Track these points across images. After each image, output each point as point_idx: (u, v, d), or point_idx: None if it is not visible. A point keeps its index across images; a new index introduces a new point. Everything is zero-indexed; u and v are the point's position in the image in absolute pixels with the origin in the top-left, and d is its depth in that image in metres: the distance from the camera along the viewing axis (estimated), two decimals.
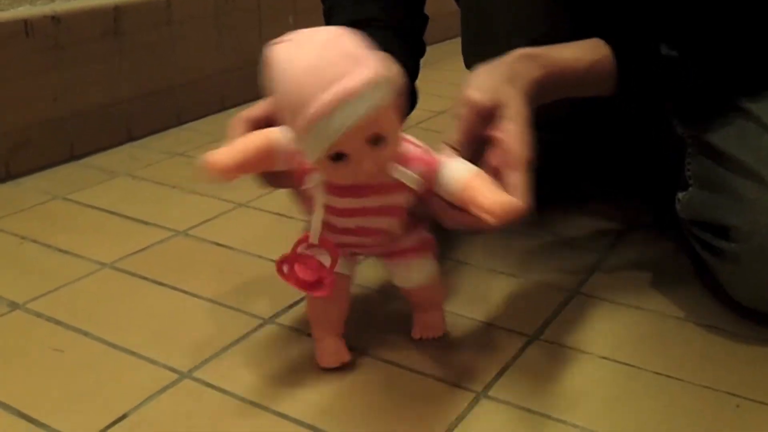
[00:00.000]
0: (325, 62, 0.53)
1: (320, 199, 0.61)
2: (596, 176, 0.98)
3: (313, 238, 0.62)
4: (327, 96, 0.52)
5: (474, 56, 0.94)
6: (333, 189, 0.60)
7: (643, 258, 0.88)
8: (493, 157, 0.64)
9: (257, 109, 0.69)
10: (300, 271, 0.63)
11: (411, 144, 0.61)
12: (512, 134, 0.63)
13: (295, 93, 0.54)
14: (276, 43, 0.56)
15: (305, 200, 0.65)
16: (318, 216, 0.62)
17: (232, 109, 1.46)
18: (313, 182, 0.61)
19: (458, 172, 0.59)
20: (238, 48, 1.46)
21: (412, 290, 0.69)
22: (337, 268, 0.64)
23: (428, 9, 0.96)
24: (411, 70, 0.87)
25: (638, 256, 0.88)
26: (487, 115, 0.65)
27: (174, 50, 1.33)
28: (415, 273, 0.67)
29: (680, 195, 0.78)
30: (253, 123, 0.68)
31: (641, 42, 0.73)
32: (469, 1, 0.91)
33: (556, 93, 0.71)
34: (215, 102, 1.44)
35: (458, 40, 0.95)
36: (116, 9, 1.22)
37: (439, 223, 0.65)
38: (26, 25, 1.10)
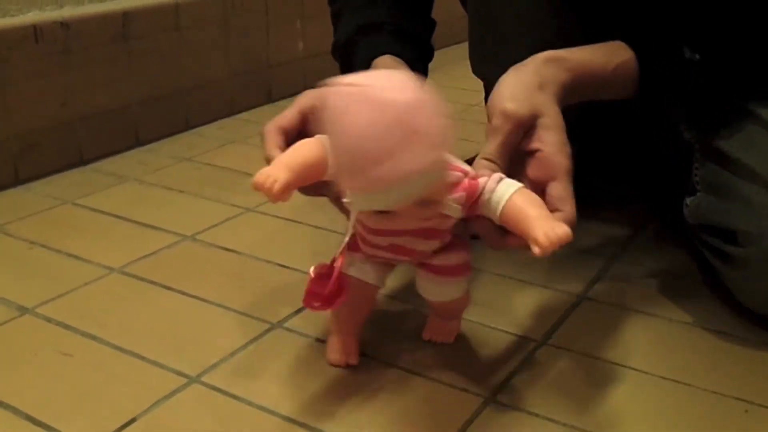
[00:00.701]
0: (395, 137, 0.49)
1: (353, 215, 0.58)
2: (603, 181, 0.98)
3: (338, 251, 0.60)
4: (389, 172, 0.49)
5: (481, 60, 0.94)
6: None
7: (651, 263, 0.88)
8: (533, 170, 0.62)
9: (288, 116, 0.68)
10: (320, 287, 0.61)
11: (454, 169, 0.59)
12: (552, 144, 0.62)
13: (359, 156, 0.50)
14: (344, 87, 0.52)
15: (343, 209, 0.64)
16: (351, 227, 0.59)
17: (241, 114, 1.46)
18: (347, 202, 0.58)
19: (503, 195, 0.57)
20: (246, 52, 1.46)
21: (438, 303, 0.68)
22: (364, 277, 0.64)
23: (435, 13, 0.96)
24: (419, 74, 0.87)
25: (646, 262, 0.88)
26: (525, 127, 0.63)
27: (182, 55, 1.34)
28: (448, 291, 0.66)
29: (688, 200, 0.78)
30: (285, 132, 0.67)
31: (663, 45, 0.72)
32: (477, 5, 0.92)
33: (580, 96, 0.70)
34: (224, 106, 1.44)
35: (465, 45, 0.95)
36: (125, 14, 1.22)
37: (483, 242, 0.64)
38: (35, 31, 1.11)
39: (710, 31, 0.73)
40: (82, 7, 1.19)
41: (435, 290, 0.66)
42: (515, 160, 0.64)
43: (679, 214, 0.79)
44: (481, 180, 0.59)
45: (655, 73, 0.72)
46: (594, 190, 1.02)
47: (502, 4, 0.87)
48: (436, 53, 0.92)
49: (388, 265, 0.67)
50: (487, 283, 0.83)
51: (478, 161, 0.64)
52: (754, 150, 0.71)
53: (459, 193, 0.58)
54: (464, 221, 0.61)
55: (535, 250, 0.53)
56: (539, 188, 0.62)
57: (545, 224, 0.54)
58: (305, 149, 0.57)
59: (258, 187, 0.53)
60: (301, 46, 1.56)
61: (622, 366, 0.69)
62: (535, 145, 0.63)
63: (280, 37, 1.52)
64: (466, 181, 0.58)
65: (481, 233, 0.62)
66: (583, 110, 0.75)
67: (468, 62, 0.94)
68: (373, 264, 0.65)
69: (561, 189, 0.60)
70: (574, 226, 0.58)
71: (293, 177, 0.54)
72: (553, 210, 0.59)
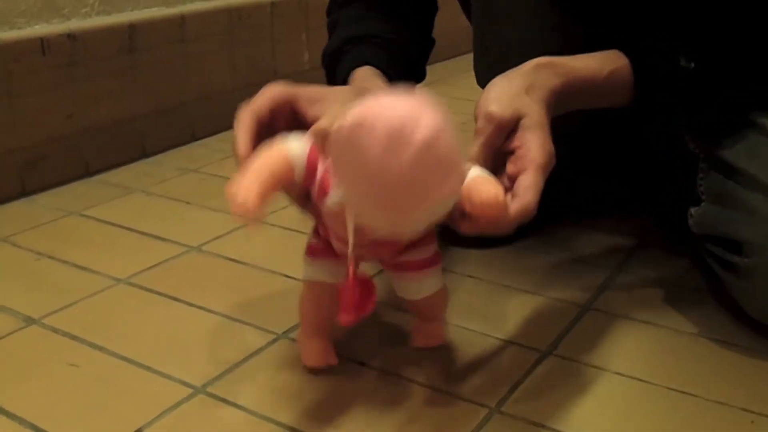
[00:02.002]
0: (421, 173, 0.49)
1: (351, 217, 0.57)
2: (607, 191, 0.98)
3: (351, 252, 0.59)
4: (420, 206, 0.50)
5: (486, 71, 0.94)
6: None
7: (656, 274, 0.88)
8: (510, 167, 0.63)
9: (263, 100, 0.69)
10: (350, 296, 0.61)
11: None
12: (530, 141, 0.62)
13: (387, 196, 0.50)
14: (364, 120, 0.49)
15: (315, 210, 0.63)
16: (351, 232, 0.58)
17: None
18: (333, 202, 0.59)
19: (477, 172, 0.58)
20: (252, 64, 1.47)
21: (420, 302, 0.69)
22: (326, 278, 0.65)
23: (439, 24, 0.96)
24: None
25: (651, 272, 0.88)
26: (507, 128, 0.64)
27: (188, 67, 1.34)
28: (425, 285, 0.67)
29: (692, 210, 0.78)
30: (260, 116, 0.68)
31: (659, 53, 0.73)
32: (481, 17, 0.92)
33: (574, 103, 0.71)
34: (229, 118, 1.43)
35: (469, 56, 0.95)
36: (131, 26, 1.23)
37: (453, 233, 0.65)
38: (42, 43, 1.11)
39: (705, 39, 0.73)
40: (89, 19, 1.20)
41: (413, 287, 0.67)
42: (499, 161, 0.64)
43: (684, 225, 0.79)
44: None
45: (650, 80, 0.72)
46: (598, 200, 1.03)
47: (507, 16, 0.87)
48: (442, 64, 0.93)
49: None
50: (491, 293, 0.83)
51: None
52: (759, 160, 0.71)
53: None
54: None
55: (482, 215, 0.55)
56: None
57: (495, 189, 0.54)
58: (270, 160, 0.58)
59: (235, 208, 0.54)
60: (307, 57, 1.56)
61: (627, 376, 0.69)
62: (515, 144, 0.63)
63: (286, 48, 1.53)
64: None
65: (450, 217, 0.62)
66: (586, 120, 0.76)
67: (472, 74, 0.95)
68: (330, 263, 0.65)
69: (527, 179, 0.60)
70: (528, 214, 0.58)
71: (267, 189, 0.56)
72: (513, 196, 0.60)
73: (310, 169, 0.60)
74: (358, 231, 0.58)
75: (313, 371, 0.69)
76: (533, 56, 0.71)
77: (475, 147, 0.64)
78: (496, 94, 0.66)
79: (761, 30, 0.72)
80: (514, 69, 0.69)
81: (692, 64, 0.71)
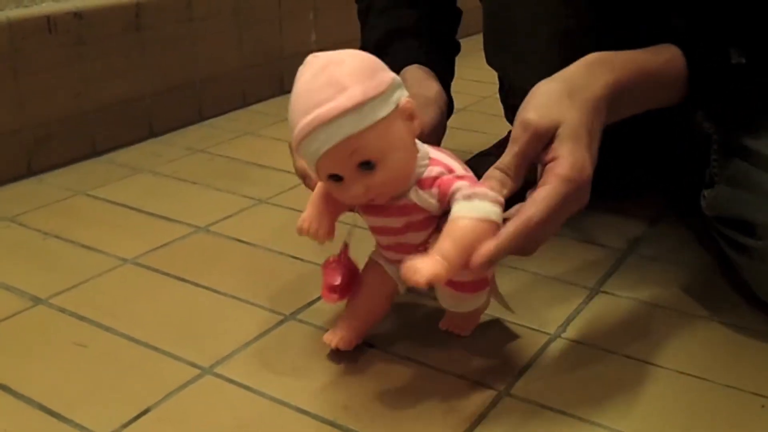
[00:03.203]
0: (313, 88, 0.56)
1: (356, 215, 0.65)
2: (620, 173, 0.97)
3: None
4: (304, 121, 0.56)
5: (496, 51, 0.93)
6: (363, 208, 0.63)
7: (667, 256, 0.87)
8: (541, 180, 0.59)
9: None
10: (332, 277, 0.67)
11: (435, 163, 0.60)
12: (562, 154, 0.58)
13: (291, 117, 0.58)
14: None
15: None
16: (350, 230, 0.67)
17: (253, 105, 1.46)
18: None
19: (453, 213, 0.57)
20: (259, 44, 1.46)
21: (461, 312, 0.68)
22: (388, 269, 0.66)
23: None
24: (446, 76, 0.87)
25: (662, 254, 0.87)
26: (543, 138, 0.60)
27: (195, 46, 1.34)
28: (467, 304, 0.66)
29: (705, 192, 0.77)
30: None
31: (710, 46, 0.70)
32: None
33: (631, 101, 0.67)
34: (236, 98, 1.44)
35: (479, 37, 0.94)
36: (138, 5, 1.22)
37: None
38: (49, 21, 1.11)
39: (757, 34, 0.70)
40: None
41: (454, 303, 0.66)
42: (537, 173, 0.60)
43: (697, 207, 0.78)
44: (456, 185, 0.59)
45: (702, 74, 0.69)
46: (610, 182, 1.02)
47: None
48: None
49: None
50: (500, 275, 0.82)
51: (491, 170, 0.61)
52: None
53: (434, 188, 0.60)
54: None
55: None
56: None
57: (422, 261, 0.54)
58: (316, 190, 0.65)
59: (303, 234, 0.64)
60: (314, 37, 1.55)
61: (637, 360, 0.69)
62: (549, 155, 0.59)
63: (293, 28, 1.52)
64: (445, 177, 0.60)
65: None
66: None
67: (482, 54, 0.94)
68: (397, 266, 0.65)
69: (541, 192, 0.57)
70: (529, 228, 0.56)
71: (328, 219, 0.64)
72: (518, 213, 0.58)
73: None
74: (379, 230, 0.63)
75: (322, 352, 0.69)
76: (543, 35, 0.70)
77: (507, 156, 0.60)
78: (537, 101, 0.61)
79: None
80: (562, 71, 0.65)
81: (743, 60, 0.69)
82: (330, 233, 0.64)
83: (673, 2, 0.73)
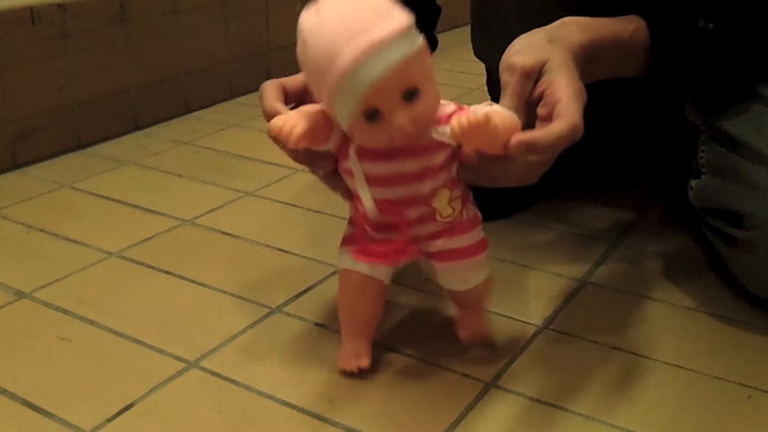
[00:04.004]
0: (351, 15, 0.54)
1: (358, 168, 0.59)
2: (608, 164, 0.97)
3: (372, 213, 0.60)
4: (355, 46, 0.52)
5: (484, 43, 0.93)
6: (368, 155, 0.59)
7: (655, 248, 0.87)
8: (542, 109, 0.61)
9: (292, 80, 0.68)
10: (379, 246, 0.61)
11: (444, 104, 0.59)
12: (556, 81, 0.60)
13: (324, 50, 0.54)
14: (304, 11, 0.56)
15: (344, 180, 0.63)
16: (363, 187, 0.60)
17: (240, 98, 1.45)
18: (351, 155, 0.59)
19: (480, 109, 0.57)
20: (245, 36, 1.45)
21: (464, 292, 0.66)
22: (372, 273, 0.63)
23: None
24: None
25: (650, 246, 0.87)
26: (531, 76, 0.62)
27: (181, 38, 1.33)
28: (473, 275, 0.65)
29: (693, 183, 0.77)
30: (286, 92, 0.66)
31: (677, 13, 0.71)
32: None
33: (600, 65, 0.68)
34: (223, 90, 1.43)
35: (467, 29, 0.94)
36: None
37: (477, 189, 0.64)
38: (32, 13, 1.10)
39: (725, 1, 0.71)
40: None
41: (460, 278, 0.65)
42: (531, 113, 0.62)
43: (684, 198, 0.78)
44: (473, 107, 0.58)
45: (668, 41, 0.70)
46: (598, 173, 1.02)
47: None
48: (439, 36, 0.92)
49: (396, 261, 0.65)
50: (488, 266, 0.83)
51: None
52: (762, 132, 0.70)
53: (453, 119, 0.57)
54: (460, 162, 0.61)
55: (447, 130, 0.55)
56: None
57: (475, 114, 0.54)
58: (312, 110, 0.59)
59: (275, 132, 0.56)
60: None
61: (625, 351, 0.69)
62: (541, 88, 0.62)
63: (280, 20, 1.51)
64: (458, 110, 0.59)
65: (469, 162, 0.61)
66: (593, 94, 0.74)
67: (470, 46, 0.94)
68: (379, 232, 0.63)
69: (563, 104, 0.58)
70: (577, 128, 0.57)
71: (309, 126, 0.56)
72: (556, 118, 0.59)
73: (342, 137, 0.60)
74: (383, 180, 0.59)
75: (309, 345, 0.68)
76: (532, 27, 0.70)
77: (503, 100, 0.62)
78: (518, 47, 0.64)
79: None
80: (538, 28, 0.67)
81: (711, 26, 0.69)
82: (304, 139, 0.57)
83: None
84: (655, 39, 0.70)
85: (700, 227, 0.79)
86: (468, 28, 0.94)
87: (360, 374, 0.65)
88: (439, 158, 0.59)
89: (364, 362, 0.65)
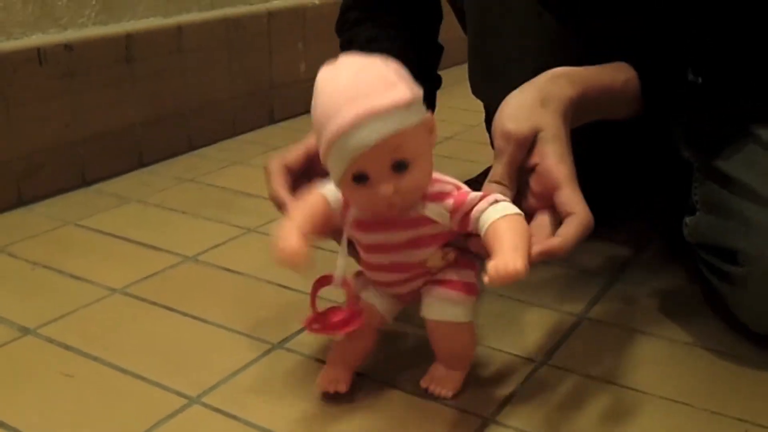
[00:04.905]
0: (359, 79, 0.56)
1: (345, 233, 0.62)
2: (604, 200, 0.98)
3: (336, 281, 0.62)
4: (352, 110, 0.55)
5: (481, 83, 0.94)
6: (360, 225, 0.62)
7: (652, 283, 0.88)
8: (536, 184, 0.63)
9: (294, 154, 0.71)
10: (332, 316, 0.63)
11: (442, 182, 0.61)
12: (550, 155, 0.62)
13: (327, 106, 0.56)
14: (325, 65, 0.58)
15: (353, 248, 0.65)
16: (342, 254, 0.62)
17: (243, 135, 1.47)
18: (346, 220, 0.62)
19: (489, 218, 0.58)
20: (249, 74, 1.47)
21: (438, 326, 0.65)
22: (377, 304, 0.65)
23: None
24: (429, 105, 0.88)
25: (647, 282, 0.88)
26: (526, 145, 0.64)
27: (185, 76, 1.35)
28: (448, 306, 0.64)
29: (687, 219, 0.78)
30: (291, 170, 0.70)
31: (666, 66, 0.73)
32: (477, 27, 0.92)
33: (590, 113, 0.71)
34: (226, 127, 1.45)
35: (464, 66, 0.96)
36: (128, 36, 1.23)
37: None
38: (39, 53, 1.12)
39: (713, 55, 0.73)
40: (86, 29, 1.20)
41: (437, 307, 0.64)
42: (522, 178, 0.64)
43: (680, 234, 0.79)
44: (472, 195, 0.60)
45: (658, 92, 0.72)
46: (595, 209, 1.03)
47: (502, 28, 0.88)
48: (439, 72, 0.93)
49: (398, 303, 0.67)
50: (487, 303, 0.83)
51: (487, 185, 0.65)
52: (754, 169, 0.71)
53: (447, 200, 0.60)
54: (465, 237, 0.62)
55: (484, 279, 0.54)
56: (545, 202, 0.63)
57: (505, 256, 0.54)
58: (308, 205, 0.62)
59: (277, 257, 0.59)
60: (303, 67, 1.57)
61: (623, 386, 0.69)
62: (535, 159, 0.63)
63: (283, 58, 1.53)
64: (455, 192, 0.60)
65: (475, 249, 0.62)
66: (588, 131, 0.76)
67: (467, 84, 0.95)
68: (385, 296, 0.65)
69: (565, 195, 0.61)
70: (590, 225, 0.59)
71: (305, 240, 0.59)
72: (566, 216, 0.61)
73: (346, 203, 0.62)
74: (375, 248, 0.62)
75: (310, 381, 0.69)
76: (529, 67, 0.71)
77: (498, 167, 0.64)
78: (511, 111, 0.66)
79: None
80: (528, 82, 0.69)
81: (700, 79, 0.71)
82: (305, 257, 0.59)
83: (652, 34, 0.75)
84: (645, 90, 0.72)
85: (696, 263, 0.80)
86: (465, 66, 0.95)
87: (359, 402, 0.66)
88: (430, 231, 0.61)
89: (342, 387, 0.66)
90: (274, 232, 0.60)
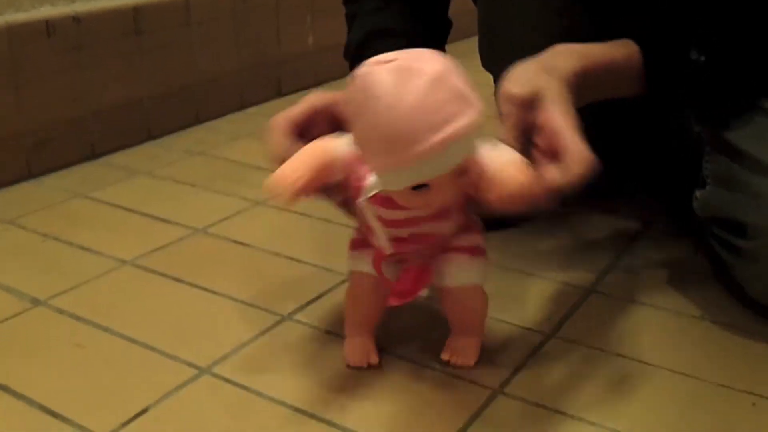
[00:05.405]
0: (434, 100, 0.51)
1: (371, 214, 0.60)
2: (614, 174, 0.98)
3: (387, 250, 0.62)
4: (431, 137, 0.51)
5: (491, 56, 0.94)
6: (382, 201, 0.59)
7: (660, 256, 0.88)
8: (541, 140, 0.63)
9: (298, 112, 0.70)
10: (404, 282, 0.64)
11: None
12: (551, 111, 0.62)
13: (400, 129, 0.51)
14: (373, 66, 0.53)
15: (357, 211, 0.64)
16: (378, 230, 0.61)
17: (251, 108, 1.47)
18: (363, 198, 0.60)
19: (497, 158, 0.58)
20: (257, 47, 1.47)
21: (453, 292, 0.65)
22: (387, 275, 0.64)
23: None
24: None
25: (655, 255, 0.88)
26: (529, 106, 0.64)
27: (193, 50, 1.34)
28: (462, 271, 0.65)
29: (697, 193, 0.78)
30: (296, 122, 0.69)
31: (669, 44, 0.73)
32: (486, 1, 0.92)
33: (593, 90, 0.71)
34: (234, 101, 1.45)
35: (474, 39, 0.95)
36: (136, 9, 1.23)
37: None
38: (48, 26, 1.11)
39: (716, 33, 0.73)
40: (94, 2, 1.20)
41: (449, 271, 0.64)
42: (529, 142, 0.64)
43: (689, 207, 0.79)
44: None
45: (661, 70, 0.72)
46: (604, 183, 1.03)
47: (512, 3, 0.87)
48: (447, 47, 0.93)
49: (400, 262, 0.66)
50: (495, 275, 0.83)
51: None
52: (765, 143, 0.71)
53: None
54: (473, 202, 0.62)
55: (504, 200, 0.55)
56: (552, 158, 0.62)
57: (521, 176, 0.55)
58: (312, 152, 0.60)
59: (270, 189, 0.57)
60: (311, 40, 1.56)
61: (630, 359, 0.69)
62: (539, 118, 0.63)
63: (290, 31, 1.53)
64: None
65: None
66: (595, 107, 0.76)
67: (477, 57, 0.95)
68: (371, 255, 0.65)
69: (566, 138, 0.60)
70: (590, 162, 0.59)
71: (304, 180, 0.58)
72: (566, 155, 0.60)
73: (350, 166, 0.61)
74: (397, 223, 0.60)
75: (320, 352, 0.69)
76: (538, 40, 0.71)
77: (504, 131, 0.65)
78: (516, 76, 0.66)
79: None
80: (533, 57, 0.69)
81: (703, 58, 0.71)
82: (303, 193, 0.58)
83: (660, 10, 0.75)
84: (648, 66, 0.72)
85: (705, 237, 0.80)
86: (475, 39, 0.95)
87: (369, 373, 0.66)
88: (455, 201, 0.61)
89: (374, 358, 0.67)
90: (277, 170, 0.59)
